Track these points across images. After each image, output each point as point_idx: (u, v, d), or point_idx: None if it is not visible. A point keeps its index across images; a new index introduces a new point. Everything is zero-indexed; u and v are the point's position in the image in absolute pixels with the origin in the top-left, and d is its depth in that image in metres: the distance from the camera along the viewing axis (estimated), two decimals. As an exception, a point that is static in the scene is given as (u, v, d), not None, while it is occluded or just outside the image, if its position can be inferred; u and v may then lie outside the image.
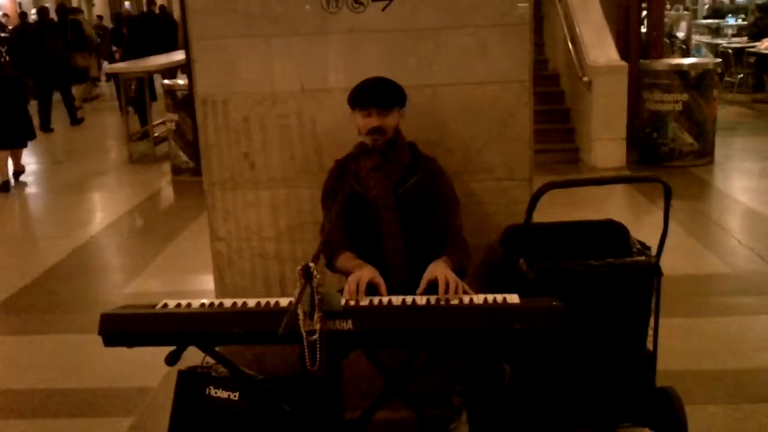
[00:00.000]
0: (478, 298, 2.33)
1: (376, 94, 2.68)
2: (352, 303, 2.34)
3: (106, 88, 16.60)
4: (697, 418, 3.12)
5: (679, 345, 3.81)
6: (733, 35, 14.85)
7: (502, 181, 3.12)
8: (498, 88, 3.04)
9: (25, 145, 8.49)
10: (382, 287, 2.46)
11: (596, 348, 2.72)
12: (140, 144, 9.85)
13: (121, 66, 10.79)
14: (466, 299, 2.34)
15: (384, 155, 2.70)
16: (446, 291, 2.37)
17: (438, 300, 2.34)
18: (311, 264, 2.06)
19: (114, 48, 14.23)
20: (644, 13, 9.35)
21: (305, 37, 3.03)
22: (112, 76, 13.14)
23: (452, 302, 2.33)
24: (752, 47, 12.21)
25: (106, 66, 11.32)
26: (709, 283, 4.84)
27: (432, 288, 2.41)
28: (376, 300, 2.37)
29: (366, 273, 2.47)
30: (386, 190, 2.71)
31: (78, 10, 16.29)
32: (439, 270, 2.44)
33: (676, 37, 13.95)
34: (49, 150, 10.79)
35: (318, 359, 2.10)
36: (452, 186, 2.84)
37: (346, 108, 2.76)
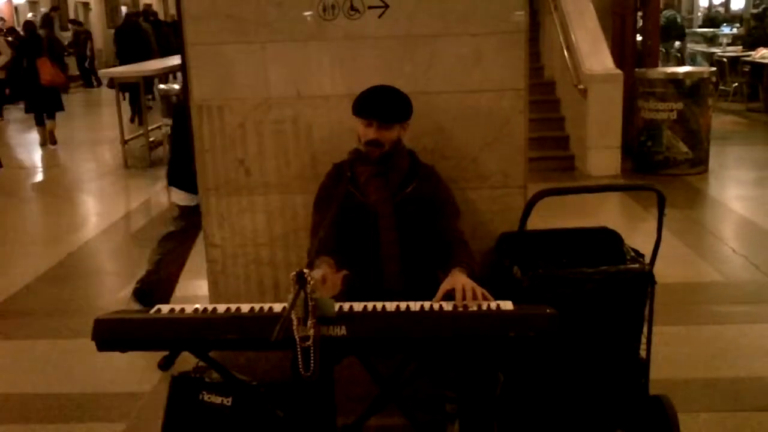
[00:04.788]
0: (472, 305, 2.33)
1: (380, 108, 2.67)
2: (346, 307, 2.34)
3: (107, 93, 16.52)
4: (690, 426, 3.14)
5: (672, 353, 3.82)
6: (728, 44, 14.91)
7: (497, 188, 3.12)
8: (493, 95, 3.04)
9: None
10: (337, 276, 2.41)
11: (590, 355, 2.72)
12: (135, 149, 9.83)
13: (117, 70, 10.77)
14: (484, 306, 2.32)
15: (384, 163, 2.70)
16: (464, 297, 2.34)
17: (432, 306, 2.34)
18: (305, 270, 2.06)
19: None
20: (640, 21, 9.39)
21: (301, 43, 3.03)
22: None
23: (471, 308, 2.31)
24: (747, 56, 12.27)
25: (102, 71, 11.27)
26: (702, 292, 4.85)
27: (447, 299, 2.39)
28: (369, 306, 2.36)
29: (321, 272, 2.40)
30: (385, 197, 2.71)
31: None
32: (456, 280, 2.42)
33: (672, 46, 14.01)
34: (46, 154, 10.78)
35: (312, 365, 2.10)
36: (451, 193, 2.85)
37: (342, 114, 2.76)
